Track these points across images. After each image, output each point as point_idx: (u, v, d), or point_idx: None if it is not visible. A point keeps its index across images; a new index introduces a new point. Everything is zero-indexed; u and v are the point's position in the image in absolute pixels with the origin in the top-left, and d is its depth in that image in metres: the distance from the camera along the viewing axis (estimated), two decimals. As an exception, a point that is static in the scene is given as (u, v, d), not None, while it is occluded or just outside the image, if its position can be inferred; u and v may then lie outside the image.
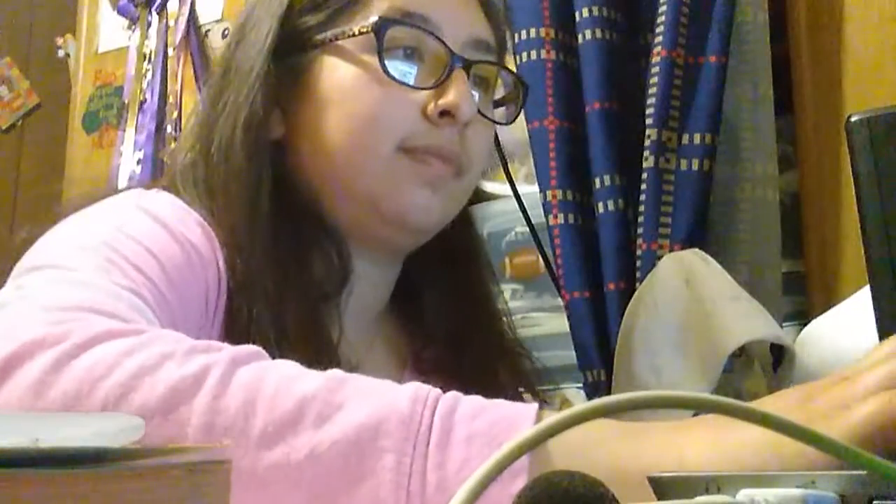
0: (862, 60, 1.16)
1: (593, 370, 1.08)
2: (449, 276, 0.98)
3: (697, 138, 1.08)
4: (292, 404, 0.56)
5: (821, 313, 0.89)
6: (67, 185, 2.09)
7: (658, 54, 1.09)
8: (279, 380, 0.57)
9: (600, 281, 1.10)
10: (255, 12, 0.91)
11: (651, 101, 1.09)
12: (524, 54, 1.16)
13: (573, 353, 1.11)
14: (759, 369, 0.82)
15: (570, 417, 0.39)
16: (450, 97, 0.85)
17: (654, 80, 1.09)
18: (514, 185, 1.26)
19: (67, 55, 2.40)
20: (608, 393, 1.00)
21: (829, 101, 1.18)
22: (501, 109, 0.96)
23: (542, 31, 1.16)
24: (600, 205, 1.10)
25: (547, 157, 1.13)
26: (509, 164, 1.30)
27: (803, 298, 1.19)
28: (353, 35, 0.86)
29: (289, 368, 0.59)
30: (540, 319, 1.32)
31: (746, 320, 0.80)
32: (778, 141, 1.16)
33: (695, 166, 1.07)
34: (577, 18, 1.14)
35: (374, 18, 0.85)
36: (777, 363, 0.83)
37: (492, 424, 0.56)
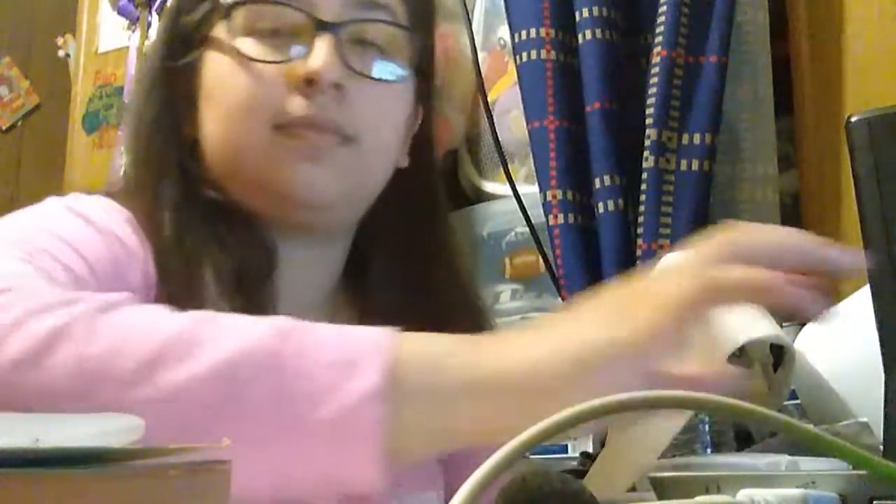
0: (862, 60, 1.16)
1: (593, 370, 1.08)
2: (395, 248, 0.95)
3: (697, 138, 1.08)
4: (157, 344, 0.57)
5: (821, 313, 0.89)
6: (67, 185, 2.10)
7: (658, 54, 1.09)
8: (144, 321, 0.59)
9: (600, 281, 1.10)
10: (161, 19, 0.95)
11: (651, 101, 1.09)
12: (524, 54, 1.16)
13: (573, 353, 1.10)
14: (760, 370, 0.82)
15: (571, 417, 0.39)
16: (309, 64, 0.84)
17: (655, 80, 1.09)
18: (514, 186, 1.26)
19: (67, 55, 2.40)
20: (608, 393, 1.00)
21: (829, 101, 1.18)
22: (394, 66, 0.91)
23: (543, 31, 1.16)
24: (600, 205, 1.10)
25: (547, 157, 1.13)
26: (509, 165, 1.30)
27: (803, 299, 1.19)
28: (216, 23, 0.87)
29: (154, 310, 0.61)
30: (540, 319, 1.32)
31: (746, 321, 0.80)
32: (778, 141, 1.16)
33: (695, 166, 1.07)
34: (578, 18, 1.14)
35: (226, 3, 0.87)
36: (777, 363, 0.83)
37: (343, 348, 0.57)
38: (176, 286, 0.80)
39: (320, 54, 0.84)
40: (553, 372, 0.55)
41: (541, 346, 0.57)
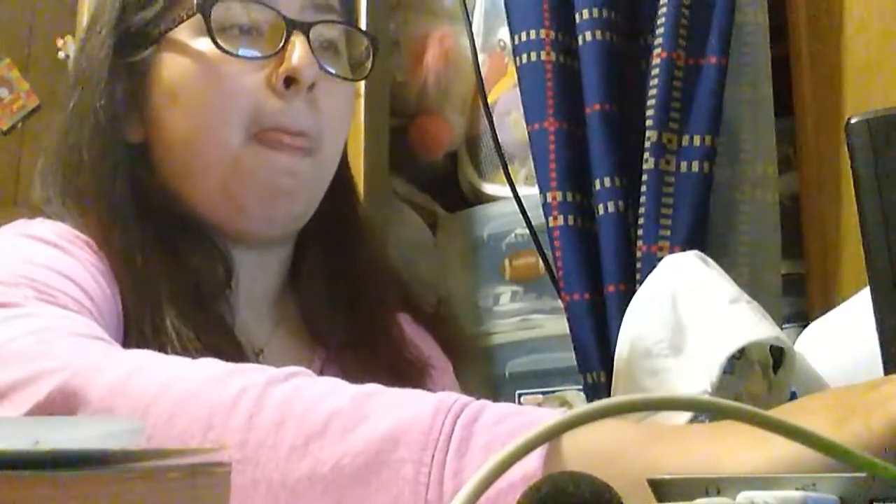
0: (862, 61, 1.16)
1: (593, 372, 1.08)
2: (323, 243, 0.96)
3: (697, 140, 1.08)
4: (320, 418, 0.57)
5: (821, 315, 0.89)
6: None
7: (658, 56, 1.09)
8: (310, 396, 0.59)
9: (600, 283, 1.10)
10: (96, 16, 0.90)
11: (651, 102, 1.09)
12: (524, 56, 1.16)
13: (573, 355, 1.11)
14: (759, 371, 0.82)
15: (579, 416, 0.39)
16: (289, 62, 0.83)
17: (655, 81, 1.09)
18: (514, 187, 1.26)
19: (67, 56, 2.40)
20: (608, 395, 1.00)
21: (829, 103, 1.18)
22: (346, 65, 0.93)
23: (543, 33, 1.16)
24: (600, 206, 1.10)
25: (547, 158, 1.13)
26: (509, 166, 1.30)
27: (803, 300, 1.19)
28: (182, 20, 0.84)
29: (322, 385, 0.61)
30: (540, 321, 1.32)
31: (746, 322, 0.80)
32: (778, 142, 1.16)
33: (695, 168, 1.07)
34: (578, 20, 1.14)
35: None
36: (777, 365, 0.83)
37: (512, 431, 0.55)
38: (134, 308, 0.79)
39: (299, 53, 0.83)
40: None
41: (756, 450, 0.50)
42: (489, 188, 1.40)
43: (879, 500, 0.39)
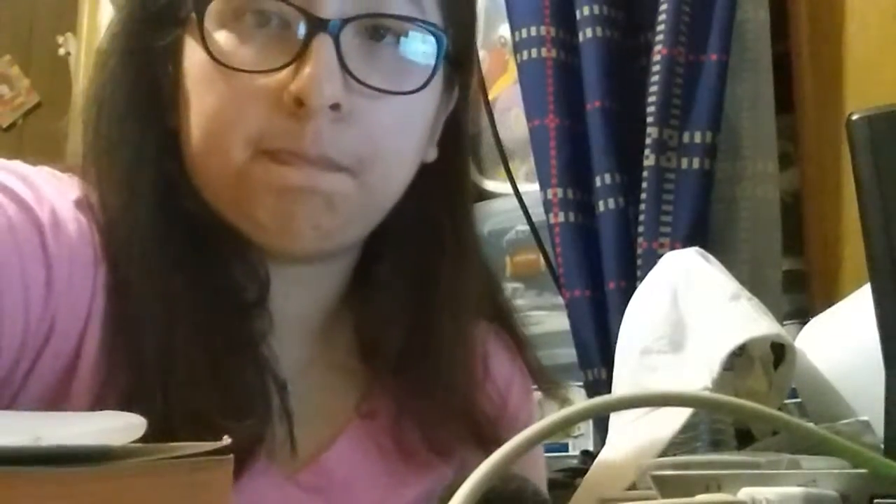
0: (862, 59, 1.16)
1: (594, 369, 1.08)
2: (407, 246, 0.77)
3: (698, 136, 1.08)
4: None
5: (821, 311, 0.89)
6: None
7: (659, 52, 1.09)
8: None
9: (601, 279, 1.10)
10: None
11: (652, 99, 1.09)
12: (525, 52, 1.16)
13: (573, 351, 1.11)
14: (760, 368, 0.82)
15: (574, 414, 0.39)
16: (300, 80, 0.64)
17: (655, 78, 1.09)
18: (515, 184, 1.26)
19: (68, 53, 2.40)
20: (609, 391, 1.01)
21: (830, 100, 1.18)
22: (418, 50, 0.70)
23: (543, 30, 1.16)
24: (601, 203, 1.10)
25: (547, 155, 1.13)
26: (510, 163, 1.30)
27: (804, 296, 1.19)
28: (191, 13, 0.68)
29: None
30: (540, 318, 1.32)
31: (747, 319, 0.80)
32: (778, 139, 1.16)
33: (695, 164, 1.07)
34: (578, 17, 1.14)
35: None
36: (778, 362, 0.83)
37: None
38: (133, 305, 0.66)
39: (313, 70, 0.64)
40: None
41: None
42: (490, 185, 1.40)
43: (881, 496, 0.39)
